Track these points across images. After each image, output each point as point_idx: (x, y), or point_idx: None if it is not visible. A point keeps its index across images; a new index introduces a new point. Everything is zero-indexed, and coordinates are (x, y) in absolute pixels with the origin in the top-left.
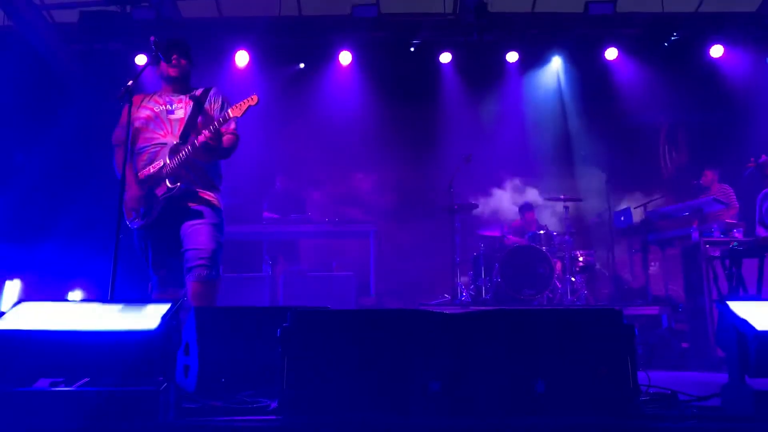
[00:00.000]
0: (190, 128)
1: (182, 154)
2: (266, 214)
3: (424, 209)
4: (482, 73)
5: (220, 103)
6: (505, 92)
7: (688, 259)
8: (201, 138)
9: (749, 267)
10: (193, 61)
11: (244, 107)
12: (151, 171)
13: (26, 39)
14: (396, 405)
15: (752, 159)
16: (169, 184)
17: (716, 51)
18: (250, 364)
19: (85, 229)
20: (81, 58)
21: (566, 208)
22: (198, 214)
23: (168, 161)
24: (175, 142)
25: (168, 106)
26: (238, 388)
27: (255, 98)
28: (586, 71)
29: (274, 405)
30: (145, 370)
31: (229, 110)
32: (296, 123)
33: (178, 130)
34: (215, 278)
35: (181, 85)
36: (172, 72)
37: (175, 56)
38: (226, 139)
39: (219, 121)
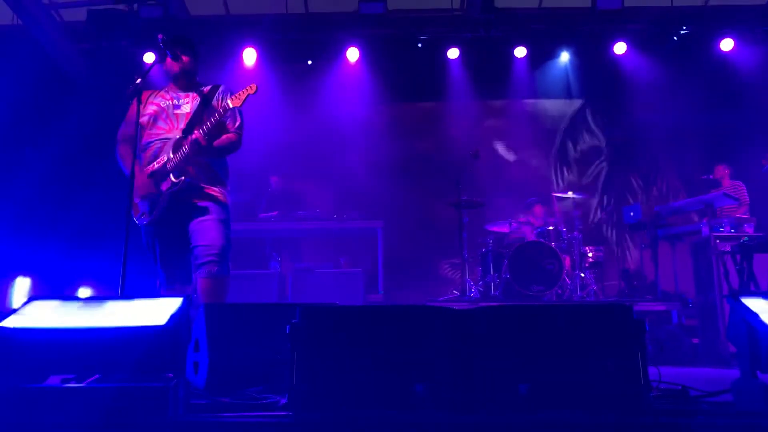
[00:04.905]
0: (195, 123)
1: (185, 149)
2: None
3: (431, 205)
4: (490, 68)
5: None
6: (514, 87)
7: (698, 255)
8: (191, 137)
9: (760, 262)
10: (198, 58)
11: (243, 96)
12: (156, 166)
13: (35, 37)
14: (404, 400)
15: None
16: (173, 179)
17: (726, 44)
18: (259, 361)
19: (94, 226)
20: (89, 56)
21: (575, 203)
22: (203, 211)
23: (172, 156)
24: (178, 137)
25: (174, 101)
26: (248, 384)
27: (254, 87)
28: (595, 66)
29: (283, 401)
30: (155, 366)
31: (229, 101)
32: (305, 119)
33: (183, 124)
34: (225, 275)
35: (187, 82)
36: (175, 67)
37: (177, 52)
38: (226, 138)
39: (219, 113)
